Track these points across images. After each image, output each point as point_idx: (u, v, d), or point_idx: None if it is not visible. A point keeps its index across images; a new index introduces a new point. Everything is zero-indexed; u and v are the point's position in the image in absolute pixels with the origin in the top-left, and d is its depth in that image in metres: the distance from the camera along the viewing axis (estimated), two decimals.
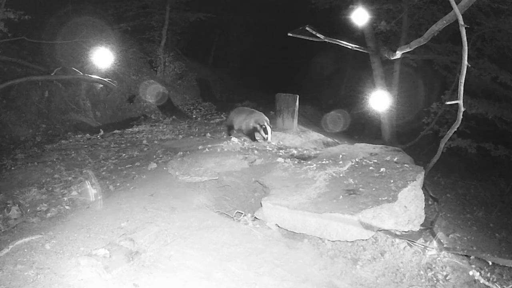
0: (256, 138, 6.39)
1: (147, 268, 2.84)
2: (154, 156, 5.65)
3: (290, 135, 7.04)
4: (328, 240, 3.66)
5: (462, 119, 4.11)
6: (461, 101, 3.98)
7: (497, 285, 3.40)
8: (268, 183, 4.36)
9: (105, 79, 9.99)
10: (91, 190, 4.40)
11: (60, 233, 3.32)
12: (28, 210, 4.05)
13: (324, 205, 3.64)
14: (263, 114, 6.52)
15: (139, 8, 12.33)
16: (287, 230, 3.80)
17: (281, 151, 5.85)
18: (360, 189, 3.95)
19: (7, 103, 8.08)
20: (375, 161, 4.82)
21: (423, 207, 3.92)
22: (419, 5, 8.79)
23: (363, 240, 3.63)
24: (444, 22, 4.06)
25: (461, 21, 3.70)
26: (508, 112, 8.05)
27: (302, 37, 6.69)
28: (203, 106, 11.41)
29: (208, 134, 7.23)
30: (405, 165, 4.56)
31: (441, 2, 8.36)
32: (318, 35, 6.38)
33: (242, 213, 4.04)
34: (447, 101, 5.85)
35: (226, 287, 2.74)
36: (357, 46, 7.70)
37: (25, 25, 7.93)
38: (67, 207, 4.05)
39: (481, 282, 3.41)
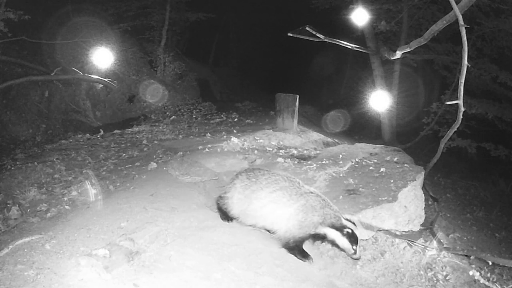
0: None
1: (147, 268, 2.84)
2: (154, 156, 5.65)
3: (290, 135, 7.04)
4: None
5: (462, 119, 4.12)
6: (461, 101, 3.99)
7: (497, 285, 3.40)
8: None
9: (105, 79, 10.00)
10: (91, 190, 4.40)
11: (60, 233, 3.32)
12: (28, 210, 4.05)
13: None
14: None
15: (139, 8, 12.35)
16: None
17: (281, 151, 5.85)
18: (360, 189, 3.95)
19: (7, 103, 8.09)
20: (375, 161, 4.82)
21: (423, 207, 3.92)
22: (419, 5, 8.80)
23: (363, 240, 3.63)
24: (444, 22, 4.07)
25: (461, 21, 3.70)
26: (508, 112, 8.06)
27: (302, 37, 6.70)
28: (203, 106, 11.41)
29: (208, 134, 7.23)
30: (405, 165, 4.56)
31: (441, 2, 8.38)
32: (318, 35, 6.39)
33: None
34: (447, 101, 5.87)
35: (226, 287, 2.73)
36: (357, 46, 7.71)
37: (25, 25, 7.94)
38: (67, 207, 4.04)
39: (481, 282, 3.41)
